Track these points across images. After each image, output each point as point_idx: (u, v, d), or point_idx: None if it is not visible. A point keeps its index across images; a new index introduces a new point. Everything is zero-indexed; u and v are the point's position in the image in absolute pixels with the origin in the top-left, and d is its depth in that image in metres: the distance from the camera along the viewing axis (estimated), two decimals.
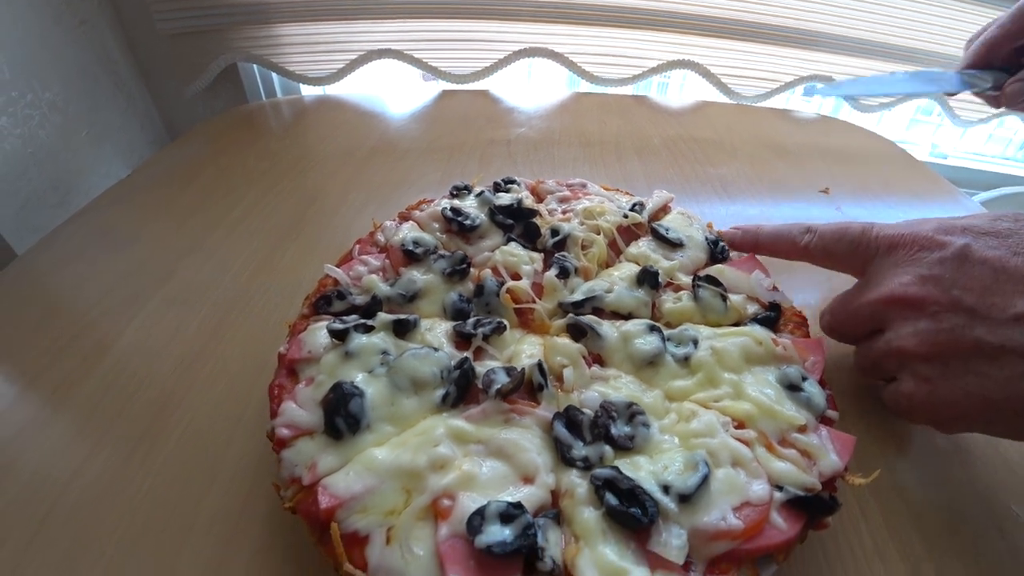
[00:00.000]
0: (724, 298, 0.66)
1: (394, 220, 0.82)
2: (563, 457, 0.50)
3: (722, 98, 1.63)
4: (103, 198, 1.07)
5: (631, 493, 0.45)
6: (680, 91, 1.98)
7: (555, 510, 0.47)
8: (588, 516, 0.45)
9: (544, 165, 1.19)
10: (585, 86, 1.62)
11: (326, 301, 0.67)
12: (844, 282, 0.66)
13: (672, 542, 0.43)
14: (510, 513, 0.44)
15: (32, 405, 0.68)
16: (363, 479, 0.48)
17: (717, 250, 0.76)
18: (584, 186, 0.88)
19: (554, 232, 0.77)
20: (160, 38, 1.40)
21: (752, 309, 0.67)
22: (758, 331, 0.61)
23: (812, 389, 0.55)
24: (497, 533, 0.43)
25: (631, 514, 0.43)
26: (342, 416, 0.52)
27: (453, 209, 0.79)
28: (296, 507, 0.49)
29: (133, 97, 1.47)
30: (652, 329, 0.62)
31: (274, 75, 1.62)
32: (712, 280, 0.68)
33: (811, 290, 0.86)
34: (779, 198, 1.13)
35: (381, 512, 0.47)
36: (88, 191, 1.12)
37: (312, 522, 0.48)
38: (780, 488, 0.47)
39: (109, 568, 0.52)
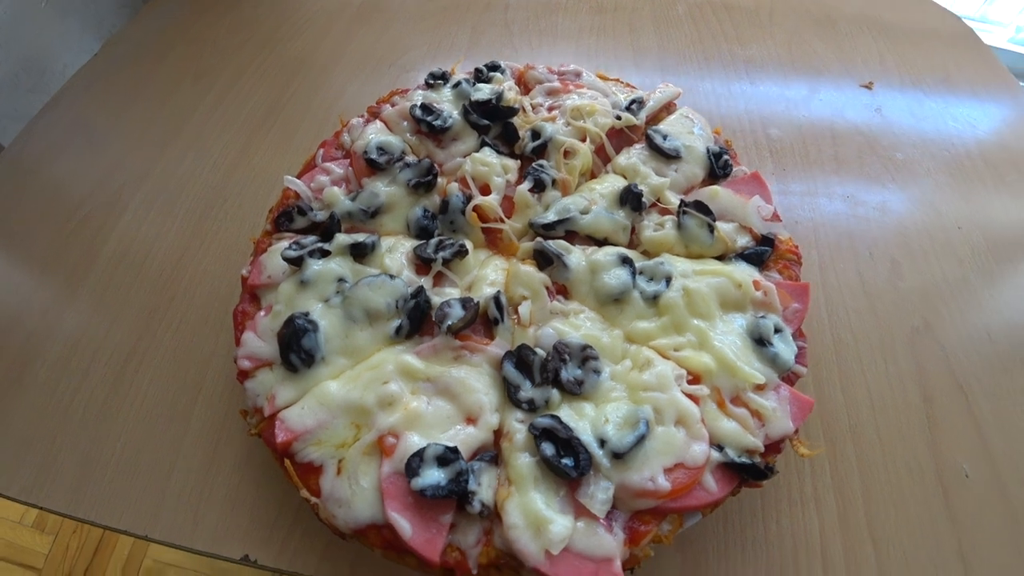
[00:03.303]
0: (711, 228, 0.56)
1: (362, 116, 0.70)
2: (510, 397, 0.48)
3: None
4: (76, 80, 0.96)
5: (568, 443, 0.43)
6: None
7: (494, 452, 0.46)
8: (523, 462, 0.44)
9: (544, 38, 0.98)
10: None
11: (287, 217, 0.61)
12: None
13: (598, 495, 0.41)
14: (447, 457, 0.43)
15: (46, 294, 0.70)
16: (316, 414, 0.47)
17: (718, 164, 0.63)
18: (578, 76, 0.72)
19: (535, 135, 0.64)
20: None
21: (743, 241, 0.57)
22: (740, 270, 0.53)
23: (782, 345, 0.48)
24: (432, 477, 0.42)
25: (562, 467, 0.42)
26: (295, 351, 0.49)
27: (424, 107, 0.67)
28: (260, 434, 0.49)
29: None
30: (624, 261, 0.54)
31: None
32: (701, 207, 0.57)
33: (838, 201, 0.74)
34: (811, 89, 0.90)
35: (333, 445, 0.46)
36: (63, 72, 0.99)
37: (274, 450, 0.48)
38: (721, 448, 0.44)
39: (117, 476, 0.56)
